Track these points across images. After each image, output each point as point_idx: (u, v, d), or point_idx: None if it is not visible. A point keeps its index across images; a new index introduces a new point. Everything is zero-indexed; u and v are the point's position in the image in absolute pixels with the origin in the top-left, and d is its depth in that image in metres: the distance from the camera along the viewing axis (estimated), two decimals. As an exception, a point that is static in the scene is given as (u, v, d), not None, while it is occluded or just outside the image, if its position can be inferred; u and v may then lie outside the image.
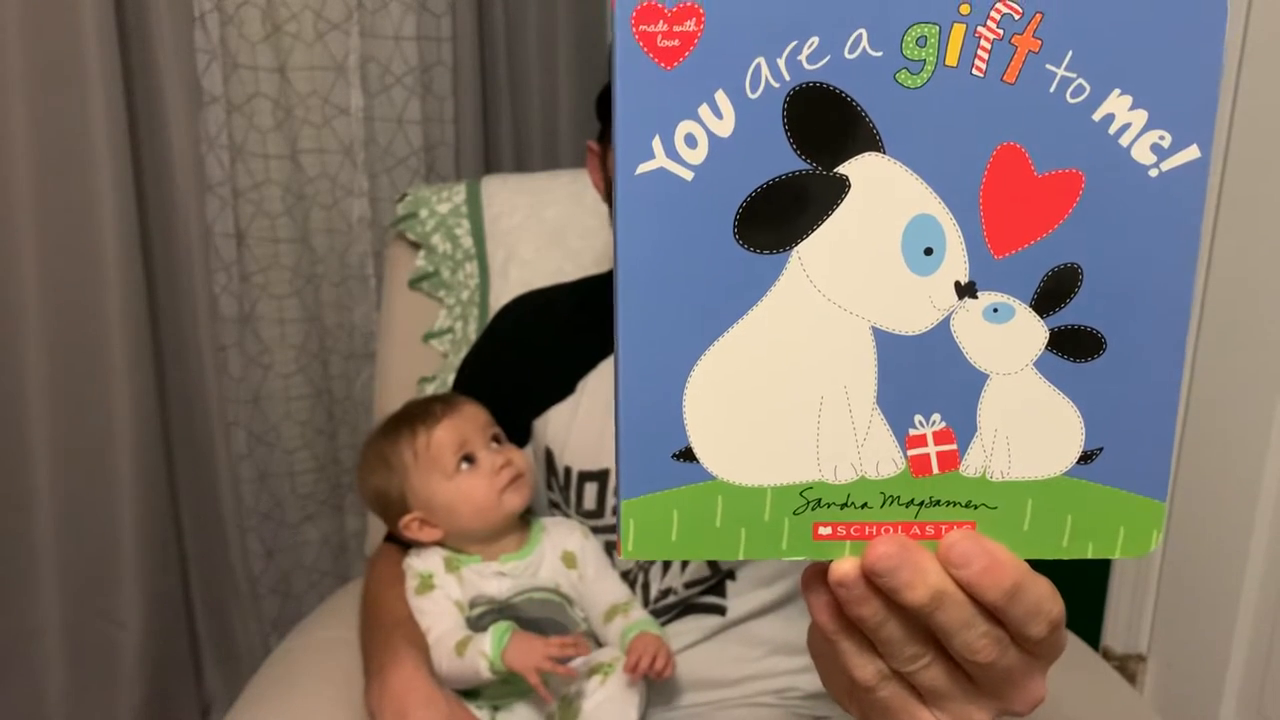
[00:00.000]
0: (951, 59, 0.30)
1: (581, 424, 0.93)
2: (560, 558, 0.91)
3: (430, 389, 1.19)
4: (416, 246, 1.24)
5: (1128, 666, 1.27)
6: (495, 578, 0.89)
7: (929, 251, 0.31)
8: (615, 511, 0.85)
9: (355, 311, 1.70)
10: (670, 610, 0.91)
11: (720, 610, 0.90)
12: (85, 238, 1.40)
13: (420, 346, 1.23)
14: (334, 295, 1.70)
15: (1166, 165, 0.31)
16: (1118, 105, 0.30)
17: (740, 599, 0.90)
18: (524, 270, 1.21)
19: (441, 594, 0.88)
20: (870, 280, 0.31)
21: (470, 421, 0.90)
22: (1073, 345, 0.32)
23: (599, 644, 0.90)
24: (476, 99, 1.71)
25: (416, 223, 1.24)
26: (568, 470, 0.93)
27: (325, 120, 1.62)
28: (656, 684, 0.87)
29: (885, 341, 0.32)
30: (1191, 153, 0.30)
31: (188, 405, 1.58)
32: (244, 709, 0.89)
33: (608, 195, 0.95)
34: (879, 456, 0.33)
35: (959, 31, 0.30)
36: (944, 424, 0.33)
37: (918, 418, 0.33)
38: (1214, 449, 1.18)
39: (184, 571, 1.62)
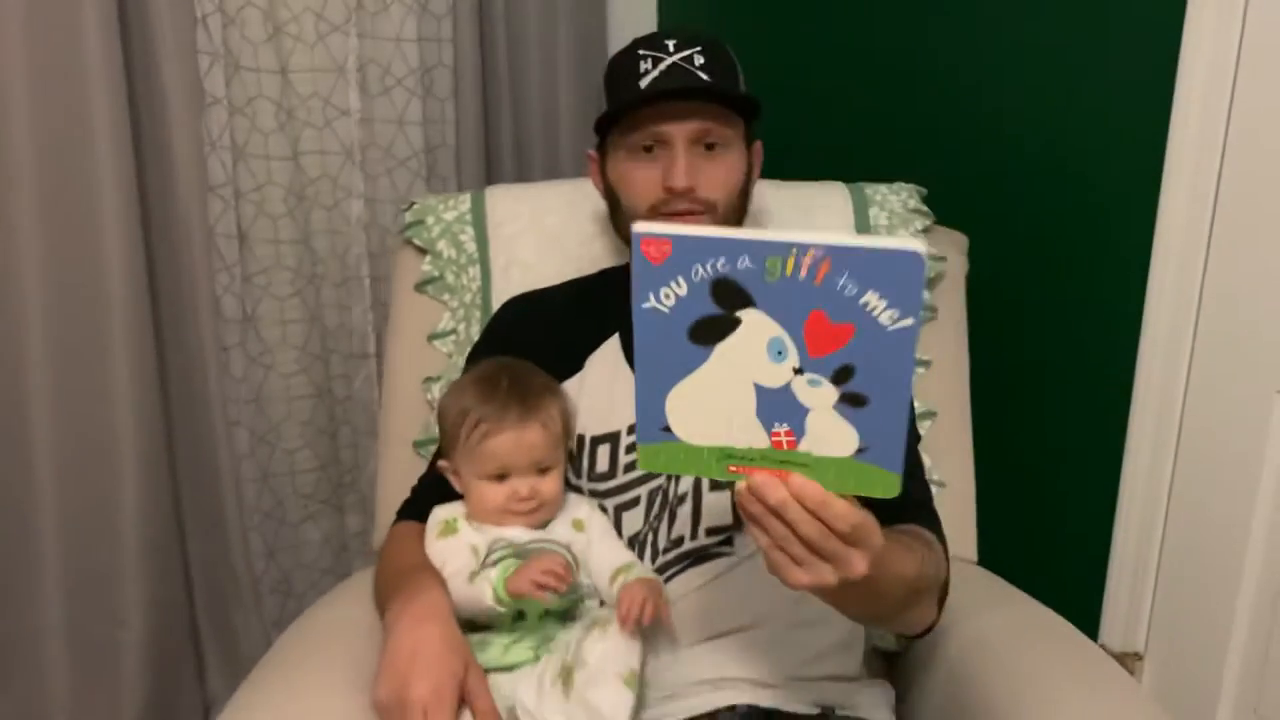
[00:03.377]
0: (789, 270, 0.61)
1: (590, 394, 1.03)
2: (571, 524, 0.98)
3: (435, 389, 1.23)
4: (424, 252, 1.28)
5: (1124, 665, 1.27)
6: (513, 529, 0.96)
7: (780, 353, 0.63)
8: (625, 469, 1.02)
9: (354, 311, 1.71)
10: (683, 560, 0.96)
11: (729, 555, 0.97)
12: (88, 239, 1.41)
13: (426, 347, 1.27)
14: (335, 296, 1.70)
15: (894, 326, 0.61)
16: (871, 297, 0.60)
17: (747, 541, 0.96)
18: (526, 274, 1.25)
19: (461, 538, 0.95)
20: (751, 364, 0.64)
21: (526, 450, 0.94)
22: (851, 400, 0.64)
23: (602, 603, 0.96)
24: (477, 100, 1.72)
25: (423, 229, 1.29)
26: (580, 438, 1.01)
27: (326, 122, 1.62)
28: (662, 627, 0.92)
29: (760, 390, 0.65)
30: (908, 320, 0.60)
31: (190, 405, 1.59)
32: (250, 692, 0.91)
33: (606, 195, 1.08)
34: (757, 440, 0.67)
35: (792, 257, 0.60)
36: (788, 428, 0.66)
37: (775, 425, 0.66)
38: (1211, 449, 1.19)
39: (186, 571, 1.63)
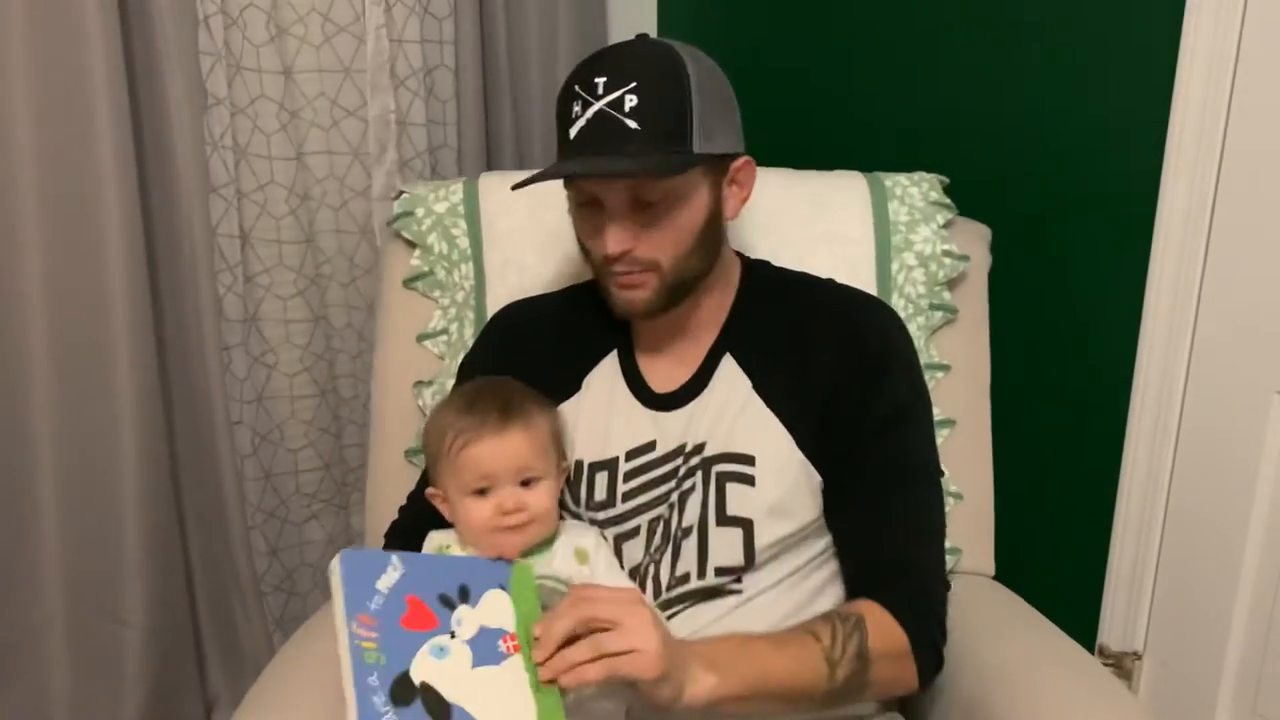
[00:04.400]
0: (370, 660, 0.72)
1: (587, 419, 0.99)
2: (573, 553, 0.93)
3: (428, 394, 1.19)
4: (413, 245, 1.23)
5: (1123, 664, 1.27)
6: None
7: (447, 648, 0.75)
8: (623, 498, 0.98)
9: (363, 311, 1.72)
10: (688, 598, 0.94)
11: (737, 593, 0.94)
12: (90, 239, 1.41)
13: (417, 348, 1.22)
14: (342, 295, 1.71)
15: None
16: (380, 583, 0.76)
17: (756, 580, 0.94)
18: (523, 275, 1.20)
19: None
20: (457, 670, 0.75)
21: (510, 456, 0.89)
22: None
23: None
24: (478, 101, 1.72)
25: (412, 221, 1.22)
26: (578, 464, 0.98)
27: (334, 122, 1.63)
28: None
29: (473, 658, 0.76)
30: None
31: (192, 404, 1.59)
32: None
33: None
34: (518, 665, 0.77)
35: (361, 649, 0.72)
36: (504, 640, 0.78)
37: (499, 654, 0.77)
38: (1209, 449, 1.19)
39: (188, 569, 1.63)
